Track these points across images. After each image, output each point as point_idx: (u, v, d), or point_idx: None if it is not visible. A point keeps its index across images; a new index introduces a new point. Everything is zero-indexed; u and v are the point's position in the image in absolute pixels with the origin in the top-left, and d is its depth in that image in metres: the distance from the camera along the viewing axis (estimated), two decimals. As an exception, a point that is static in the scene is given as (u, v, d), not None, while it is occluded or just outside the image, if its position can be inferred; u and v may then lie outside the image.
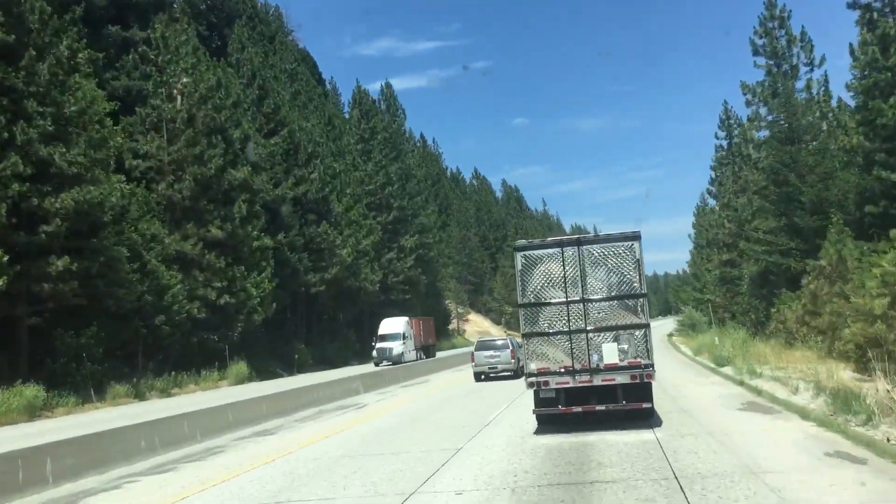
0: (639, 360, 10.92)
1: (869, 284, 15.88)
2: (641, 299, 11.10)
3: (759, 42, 37.76)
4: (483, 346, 26.15)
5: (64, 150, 25.37)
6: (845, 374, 14.71)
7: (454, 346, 67.96)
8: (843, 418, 10.38)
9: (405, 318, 45.10)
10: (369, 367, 38.06)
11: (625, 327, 11.04)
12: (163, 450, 12.01)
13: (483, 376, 24.98)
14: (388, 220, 61.76)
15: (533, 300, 11.31)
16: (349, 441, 12.55)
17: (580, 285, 11.17)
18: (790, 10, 37.27)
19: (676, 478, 7.74)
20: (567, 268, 11.23)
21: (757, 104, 37.75)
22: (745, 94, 37.85)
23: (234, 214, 36.01)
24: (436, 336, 54.80)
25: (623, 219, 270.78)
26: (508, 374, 24.62)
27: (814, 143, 31.94)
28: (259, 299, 36.99)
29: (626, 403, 11.10)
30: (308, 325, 50.51)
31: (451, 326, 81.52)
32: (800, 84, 36.26)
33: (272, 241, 40.12)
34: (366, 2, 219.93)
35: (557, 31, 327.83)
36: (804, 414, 11.54)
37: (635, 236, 11.17)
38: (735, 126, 50.46)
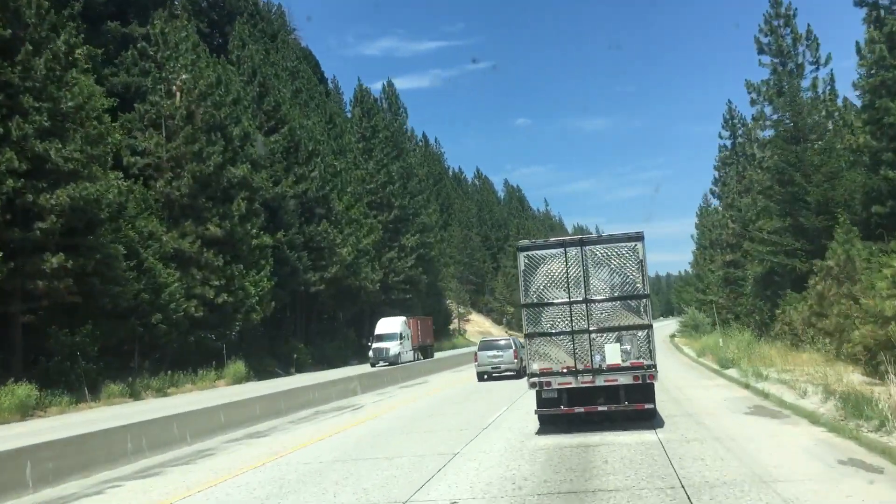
0: (641, 360, 10.89)
1: (879, 285, 15.46)
2: (644, 300, 11.11)
3: (765, 40, 37.39)
4: (486, 346, 26.31)
5: (60, 145, 25.05)
6: (855, 378, 14.29)
7: (455, 346, 67.59)
8: (855, 423, 9.99)
9: (402, 318, 44.20)
10: (368, 368, 37.69)
11: (627, 328, 11.01)
12: (150, 452, 11.61)
13: (486, 376, 25.09)
14: (389, 219, 61.38)
15: (536, 300, 11.30)
16: (343, 444, 12.17)
17: (583, 286, 11.16)
18: (796, 8, 36.92)
19: (683, 486, 7.35)
20: (570, 268, 11.22)
21: (762, 103, 37.41)
22: (749, 93, 37.52)
23: (233, 212, 35.66)
24: (434, 336, 54.20)
25: (625, 219, 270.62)
26: (511, 373, 24.70)
27: (819, 142, 31.52)
28: (258, 298, 36.64)
29: (629, 404, 11.06)
30: (307, 324, 50.16)
31: (452, 326, 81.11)
32: (805, 83, 35.96)
33: (271, 239, 39.75)
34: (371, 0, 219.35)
35: (560, 31, 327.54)
36: (813, 418, 11.13)
37: (638, 237, 11.16)
38: (739, 126, 50.03)
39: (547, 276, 11.25)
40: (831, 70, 47.99)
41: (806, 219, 29.12)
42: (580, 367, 11.02)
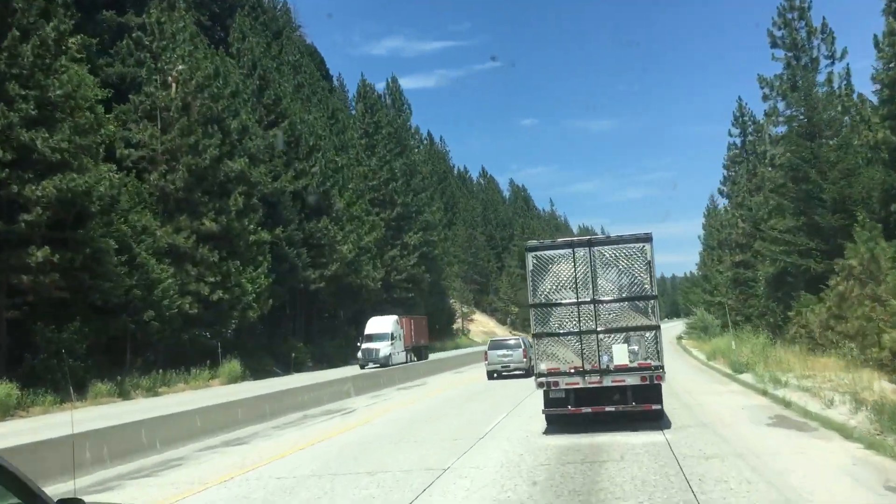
0: (649, 361, 10.93)
1: (908, 286, 14.36)
2: (652, 301, 11.14)
3: (778, 33, 36.17)
4: (496, 345, 27.03)
5: (47, 135, 24.12)
6: (884, 386, 13.19)
7: (458, 346, 66.43)
8: (894, 439, 8.92)
9: (394, 317, 41.78)
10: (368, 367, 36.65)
11: (635, 329, 11.03)
12: (112, 462, 10.50)
13: (496, 374, 25.80)
14: (392, 217, 60.35)
15: (544, 301, 11.34)
16: (325, 454, 11.15)
17: (591, 286, 11.18)
18: (810, 1, 35.74)
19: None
20: (578, 269, 11.23)
21: (775, 98, 36.19)
22: (762, 88, 36.29)
23: (229, 207, 34.70)
24: (433, 336, 52.56)
25: (630, 220, 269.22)
26: (520, 372, 25.18)
27: (835, 138, 30.35)
28: (255, 295, 35.67)
29: (636, 405, 11.11)
30: (308, 322, 49.18)
31: (455, 326, 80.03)
32: (820, 77, 34.68)
33: (270, 235, 38.78)
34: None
35: (565, 31, 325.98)
36: (845, 432, 10.04)
37: (647, 238, 11.18)
38: (749, 123, 48.85)
39: (555, 277, 11.28)
40: (847, 65, 46.84)
41: (821, 217, 27.96)
42: (588, 367, 11.05)
